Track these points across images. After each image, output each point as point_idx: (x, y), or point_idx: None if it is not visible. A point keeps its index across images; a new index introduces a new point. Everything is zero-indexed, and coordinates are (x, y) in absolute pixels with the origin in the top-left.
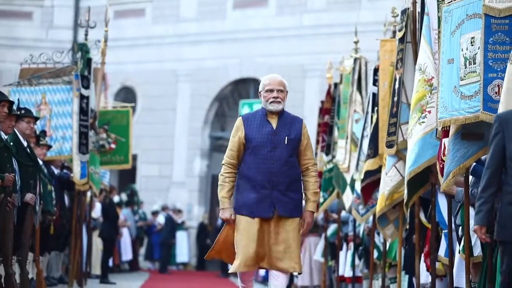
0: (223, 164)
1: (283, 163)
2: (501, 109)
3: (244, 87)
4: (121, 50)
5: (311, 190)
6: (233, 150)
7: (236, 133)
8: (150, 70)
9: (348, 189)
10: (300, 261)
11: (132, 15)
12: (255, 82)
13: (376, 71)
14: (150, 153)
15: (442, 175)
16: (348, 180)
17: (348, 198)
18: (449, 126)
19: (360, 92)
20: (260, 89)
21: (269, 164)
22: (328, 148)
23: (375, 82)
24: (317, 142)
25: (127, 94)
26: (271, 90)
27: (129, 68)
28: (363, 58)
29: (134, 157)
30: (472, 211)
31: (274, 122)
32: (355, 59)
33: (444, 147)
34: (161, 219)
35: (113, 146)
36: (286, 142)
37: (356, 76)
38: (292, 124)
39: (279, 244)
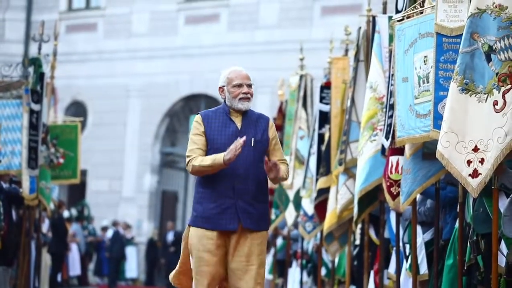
0: (189, 157)
1: (249, 168)
2: (444, 127)
3: (195, 103)
4: (73, 64)
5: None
6: (197, 144)
7: (195, 132)
8: (101, 85)
9: (291, 205)
10: (264, 280)
11: (84, 30)
12: (206, 98)
13: (322, 88)
14: (100, 168)
15: (388, 193)
16: (291, 197)
17: (290, 214)
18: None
19: (306, 109)
20: (222, 83)
21: (233, 169)
22: None
23: (322, 99)
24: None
25: (77, 109)
26: (240, 85)
27: (80, 83)
28: (309, 75)
29: (84, 172)
30: (419, 229)
31: (238, 121)
32: (301, 76)
33: (392, 165)
34: (110, 235)
35: (61, 160)
36: (252, 144)
37: (301, 93)
38: (258, 123)
39: (241, 260)
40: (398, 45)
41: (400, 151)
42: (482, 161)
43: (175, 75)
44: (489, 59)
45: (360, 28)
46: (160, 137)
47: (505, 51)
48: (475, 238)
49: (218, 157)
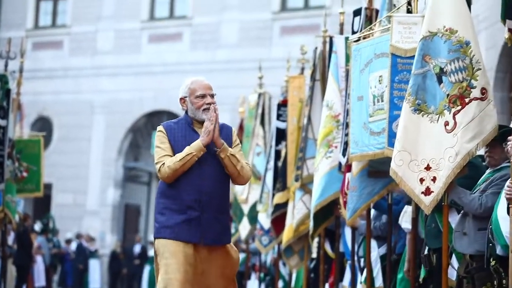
0: (159, 163)
1: (215, 180)
2: (397, 146)
3: (158, 119)
4: (39, 81)
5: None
6: (166, 151)
7: (162, 140)
8: (67, 101)
9: (245, 219)
10: None
11: (50, 47)
12: (169, 114)
13: (279, 106)
14: (65, 182)
15: (345, 208)
16: (246, 211)
17: (245, 228)
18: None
19: (263, 126)
20: (183, 94)
21: (199, 181)
22: None
23: (278, 116)
24: None
25: (43, 124)
26: (203, 96)
27: (46, 99)
28: (267, 93)
29: (49, 186)
30: (374, 243)
31: (201, 132)
32: (260, 94)
33: (348, 181)
34: (74, 247)
35: (24, 174)
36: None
37: (260, 111)
38: (221, 133)
39: (206, 274)
40: (354, 65)
41: None
42: (434, 179)
43: (138, 92)
44: (440, 81)
45: (316, 48)
46: (123, 152)
47: (455, 73)
48: (427, 252)
49: (194, 144)
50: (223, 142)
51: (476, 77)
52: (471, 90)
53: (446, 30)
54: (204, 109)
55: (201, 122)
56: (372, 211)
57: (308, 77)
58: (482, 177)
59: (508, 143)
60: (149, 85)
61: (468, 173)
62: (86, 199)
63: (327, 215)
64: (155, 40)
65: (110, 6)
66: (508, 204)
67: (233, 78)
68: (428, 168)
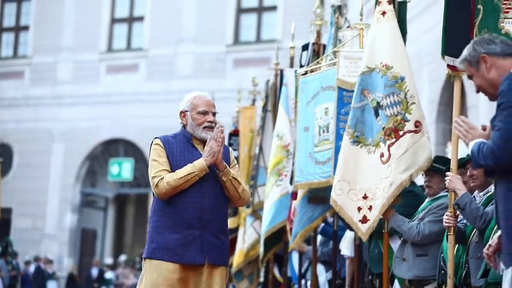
0: (156, 178)
1: (215, 198)
2: (337, 176)
3: (114, 147)
4: (1, 109)
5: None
6: (163, 166)
7: (159, 154)
8: (28, 128)
9: None
10: None
11: (12, 77)
12: (125, 142)
13: (231, 135)
14: (24, 206)
15: (291, 235)
16: None
17: None
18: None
19: None
20: (185, 108)
21: (200, 199)
22: None
23: (230, 145)
24: None
25: (4, 151)
26: (205, 113)
27: (7, 126)
28: (220, 123)
29: (9, 210)
30: (322, 268)
31: (201, 149)
32: None
33: (294, 209)
34: (32, 269)
35: None
36: (217, 171)
37: None
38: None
39: None
40: (301, 97)
41: None
42: (370, 208)
43: (96, 121)
44: (377, 114)
45: (268, 80)
46: (81, 179)
47: (390, 107)
48: (370, 277)
49: (197, 162)
50: (226, 165)
51: (410, 111)
52: (405, 123)
53: (383, 66)
54: (204, 127)
55: (200, 139)
56: (319, 237)
57: (259, 107)
58: (421, 205)
59: (446, 178)
60: (106, 114)
61: (409, 201)
62: (44, 223)
63: (277, 241)
64: (112, 71)
65: (69, 38)
66: (447, 232)
67: None
68: (365, 197)
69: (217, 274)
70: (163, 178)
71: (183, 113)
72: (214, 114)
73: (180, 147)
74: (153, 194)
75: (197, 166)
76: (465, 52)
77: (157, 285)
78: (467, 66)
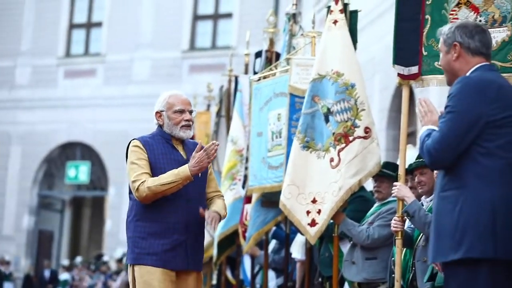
0: (136, 182)
1: (198, 202)
2: (287, 180)
3: (71, 150)
4: None
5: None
6: (143, 169)
7: (139, 156)
8: None
9: None
10: None
11: None
12: (82, 146)
13: None
14: None
15: (243, 238)
16: None
17: None
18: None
19: None
20: (160, 108)
21: (185, 202)
22: None
23: None
24: None
25: None
26: (182, 111)
27: None
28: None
29: None
30: (273, 273)
31: (181, 150)
32: None
33: (246, 212)
34: None
35: None
36: (200, 175)
37: None
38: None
39: None
40: (255, 103)
41: None
42: (319, 211)
43: (53, 124)
44: (327, 120)
45: (222, 86)
46: (38, 181)
47: (341, 113)
48: (320, 279)
49: (182, 170)
50: (223, 211)
51: (360, 117)
52: (355, 129)
53: (334, 73)
54: (182, 126)
55: (179, 138)
56: (271, 244)
57: (214, 113)
58: (370, 210)
59: (394, 188)
60: (64, 118)
61: (359, 206)
62: (2, 225)
63: (230, 244)
64: (70, 76)
65: (28, 42)
66: (395, 237)
67: (144, 112)
68: (314, 201)
69: (195, 278)
70: (144, 182)
71: (158, 113)
72: (191, 112)
73: (161, 148)
74: (130, 198)
75: (182, 175)
76: (446, 29)
77: (153, 286)
78: (441, 42)
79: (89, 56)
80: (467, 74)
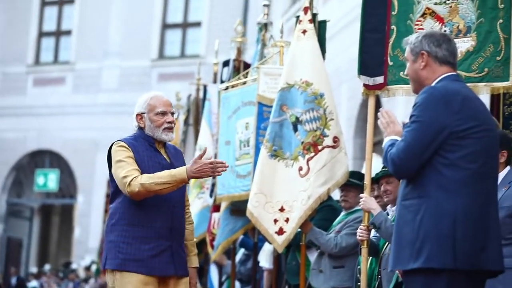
0: (127, 177)
1: (181, 206)
2: (254, 188)
3: (40, 158)
4: None
5: (192, 241)
6: (133, 166)
7: (127, 155)
8: None
9: None
10: None
11: None
12: (51, 153)
13: None
14: None
15: (211, 247)
16: None
17: None
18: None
19: None
20: (141, 110)
21: (171, 207)
22: None
23: None
24: (106, 211)
25: None
26: (164, 113)
27: None
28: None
29: None
30: (237, 283)
31: (164, 153)
32: None
33: (214, 221)
34: None
35: None
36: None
37: None
38: (177, 156)
39: None
40: (223, 111)
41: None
42: (287, 220)
43: (23, 132)
44: (295, 129)
45: (190, 95)
46: (7, 189)
47: (310, 123)
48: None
49: (179, 172)
50: (195, 282)
51: (329, 126)
52: (324, 138)
53: (303, 83)
54: (164, 128)
55: (161, 142)
56: (238, 255)
57: (182, 121)
58: (337, 219)
59: (361, 200)
60: (33, 126)
61: (327, 215)
62: None
63: (198, 252)
64: (39, 84)
65: None
66: (361, 246)
67: (113, 121)
68: (282, 209)
69: (182, 284)
70: (136, 177)
71: (139, 115)
72: (172, 114)
73: (145, 151)
74: (111, 201)
75: (178, 177)
76: (413, 38)
77: None
78: (408, 51)
79: (58, 64)
80: (433, 83)
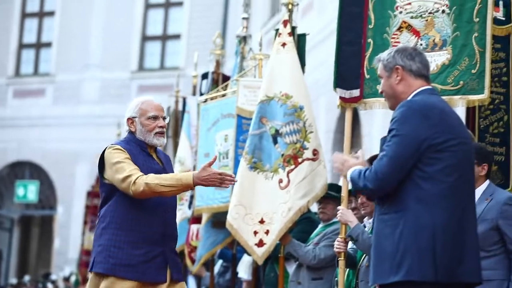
0: (131, 176)
1: (173, 211)
2: (234, 200)
3: (21, 169)
4: None
5: None
6: (134, 166)
7: (125, 156)
8: None
9: None
10: None
11: None
12: (31, 165)
13: None
14: None
15: (189, 259)
16: None
17: None
18: (201, 214)
19: None
20: (133, 114)
21: (163, 212)
22: None
23: None
24: (85, 222)
25: None
26: (155, 117)
27: None
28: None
29: None
30: None
31: (156, 158)
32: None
33: (192, 233)
34: None
35: None
36: None
37: None
38: (167, 161)
39: None
40: (202, 124)
41: (200, 220)
42: (267, 232)
43: (3, 143)
44: (275, 142)
45: (169, 107)
46: None
47: (290, 135)
48: None
49: (185, 178)
50: None
51: (309, 139)
52: (304, 151)
53: (283, 95)
54: (156, 133)
55: (153, 146)
56: (217, 267)
57: None
58: (315, 231)
59: (338, 212)
60: (13, 137)
61: (306, 227)
62: None
63: None
64: (19, 95)
65: None
66: (338, 258)
67: (93, 132)
68: (262, 221)
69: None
70: (141, 176)
71: (130, 120)
72: (164, 118)
73: (138, 155)
74: (101, 206)
75: (184, 182)
76: (384, 55)
77: None
78: (381, 68)
79: (39, 76)
80: (410, 97)
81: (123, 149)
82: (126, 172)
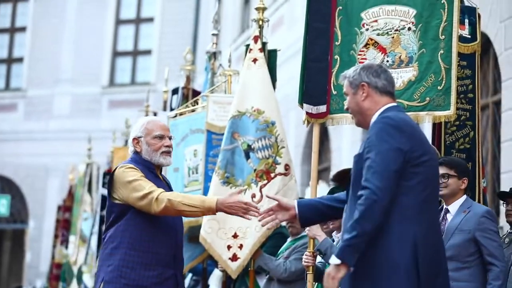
0: (152, 193)
1: (182, 233)
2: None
3: None
4: None
5: None
6: (152, 183)
7: (141, 174)
8: None
9: (74, 280)
10: None
11: None
12: (2, 178)
13: (105, 174)
14: None
15: None
16: (75, 272)
17: None
18: None
19: (90, 194)
20: (138, 134)
21: (174, 234)
22: (68, 242)
23: (104, 184)
24: (56, 236)
25: None
26: (161, 137)
27: None
28: (95, 163)
29: None
30: None
31: (162, 180)
32: (88, 164)
33: None
34: None
35: None
36: None
37: (87, 179)
38: (169, 183)
39: None
40: None
41: None
42: (241, 246)
43: None
44: (248, 157)
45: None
46: None
47: (262, 150)
48: None
49: (208, 201)
50: None
51: (280, 154)
52: (276, 166)
53: (254, 111)
54: (162, 152)
55: (159, 166)
56: (187, 280)
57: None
58: (284, 245)
59: (307, 229)
60: None
61: (278, 242)
62: None
63: None
64: None
65: None
66: (306, 272)
67: (65, 147)
68: (235, 236)
69: None
70: (163, 192)
71: (136, 140)
72: (170, 138)
73: (149, 177)
74: (108, 227)
75: (207, 205)
76: (350, 72)
77: None
78: (347, 85)
79: (10, 91)
80: (377, 113)
81: (136, 168)
82: (146, 190)
